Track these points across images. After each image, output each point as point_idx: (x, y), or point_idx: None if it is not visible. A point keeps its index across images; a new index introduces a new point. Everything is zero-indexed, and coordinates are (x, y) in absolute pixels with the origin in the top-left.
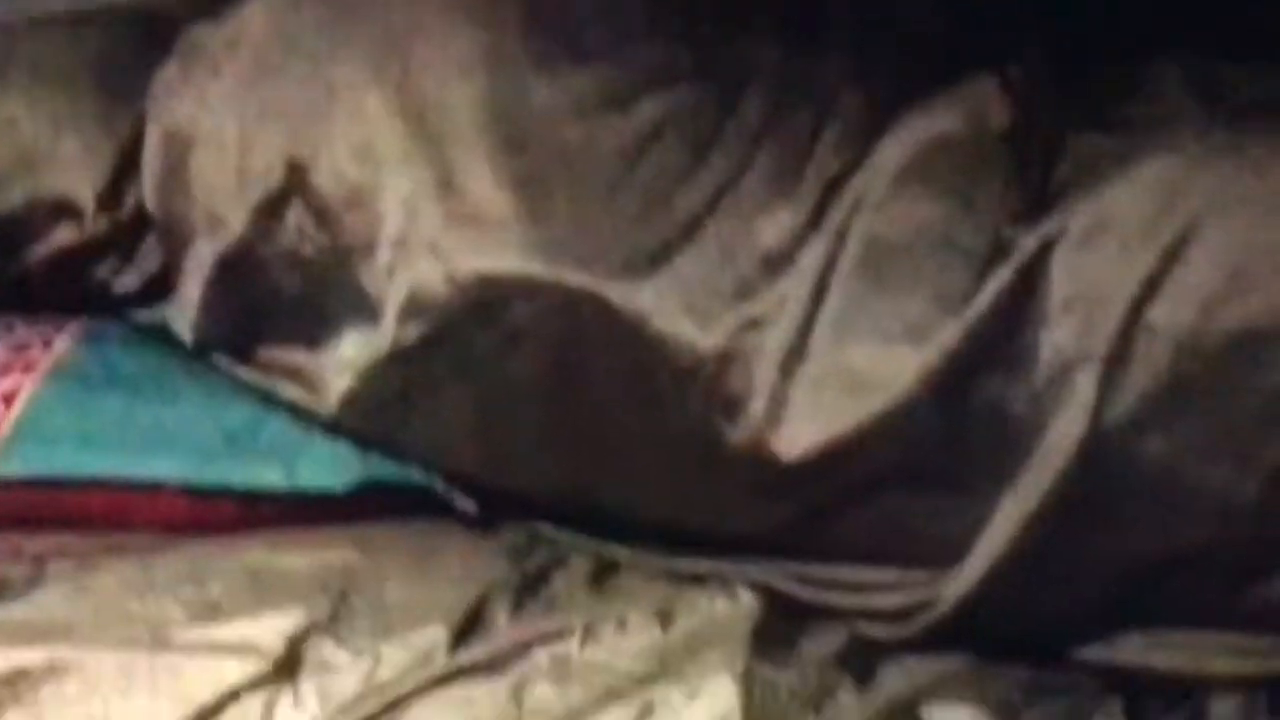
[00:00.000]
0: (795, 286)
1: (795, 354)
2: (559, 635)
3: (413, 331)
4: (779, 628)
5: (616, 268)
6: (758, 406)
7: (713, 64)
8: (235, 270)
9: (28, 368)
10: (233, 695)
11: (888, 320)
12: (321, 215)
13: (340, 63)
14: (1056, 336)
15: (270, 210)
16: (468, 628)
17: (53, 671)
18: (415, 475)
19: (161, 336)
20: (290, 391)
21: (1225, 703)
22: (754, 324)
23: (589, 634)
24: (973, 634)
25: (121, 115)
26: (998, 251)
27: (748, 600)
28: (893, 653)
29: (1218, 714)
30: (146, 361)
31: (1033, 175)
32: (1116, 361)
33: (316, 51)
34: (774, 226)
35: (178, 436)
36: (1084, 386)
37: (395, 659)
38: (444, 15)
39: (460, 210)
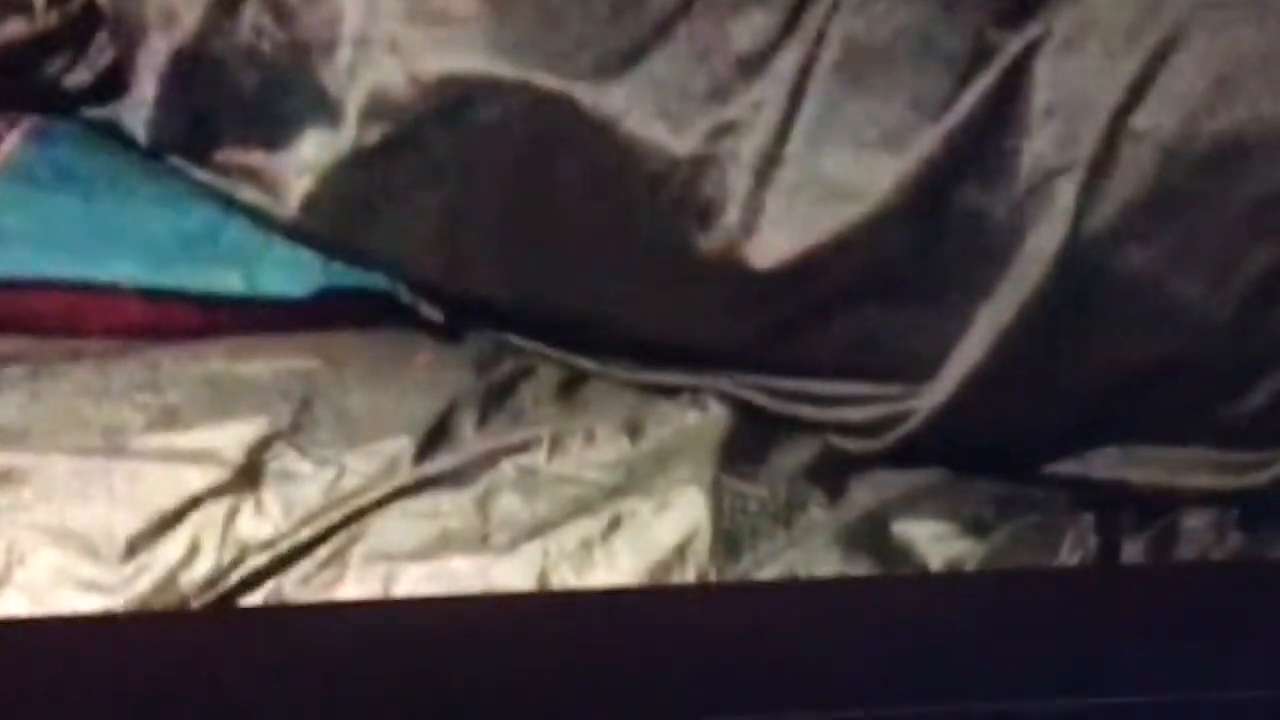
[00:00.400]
0: (771, 90)
1: (770, 160)
2: (526, 447)
3: (375, 133)
4: (749, 441)
5: (586, 69)
6: (731, 214)
7: None
8: (190, 67)
9: None
10: (194, 503)
11: (865, 126)
12: (279, 10)
13: None
14: (1037, 144)
15: (226, 5)
16: (433, 438)
17: (8, 477)
18: (379, 282)
19: (116, 136)
20: (249, 194)
21: (1198, 518)
22: (729, 128)
23: (556, 446)
24: (946, 448)
25: None
26: (979, 56)
27: (718, 413)
28: (864, 467)
29: (1190, 529)
30: (100, 161)
31: None
32: (1098, 170)
33: None
34: (749, 28)
35: (133, 239)
36: (1064, 195)
37: (359, 469)
38: None
39: (424, 7)
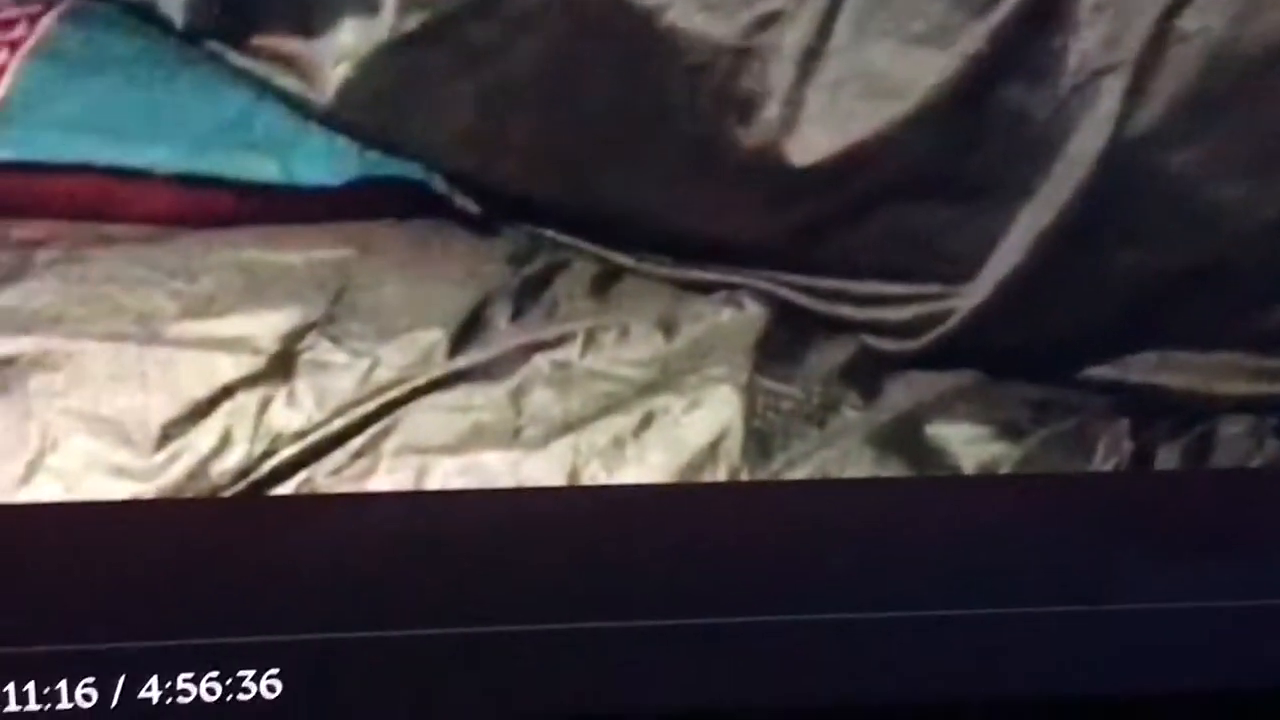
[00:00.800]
0: None
1: (812, 54)
2: (559, 342)
3: (413, 20)
4: (784, 340)
5: None
6: (772, 109)
7: None
8: None
9: (13, 47)
10: (226, 392)
11: (910, 21)
12: None
13: None
14: (1084, 42)
15: None
16: (467, 332)
17: (41, 363)
18: (415, 172)
19: (152, 20)
20: (285, 81)
21: (1234, 425)
22: (771, 20)
23: (590, 341)
24: (982, 351)
25: None
26: None
27: (753, 311)
28: (899, 369)
29: (1226, 436)
30: (136, 45)
31: None
32: (1144, 70)
33: None
34: None
35: (169, 124)
36: (1109, 95)
37: (393, 361)
38: None
39: None
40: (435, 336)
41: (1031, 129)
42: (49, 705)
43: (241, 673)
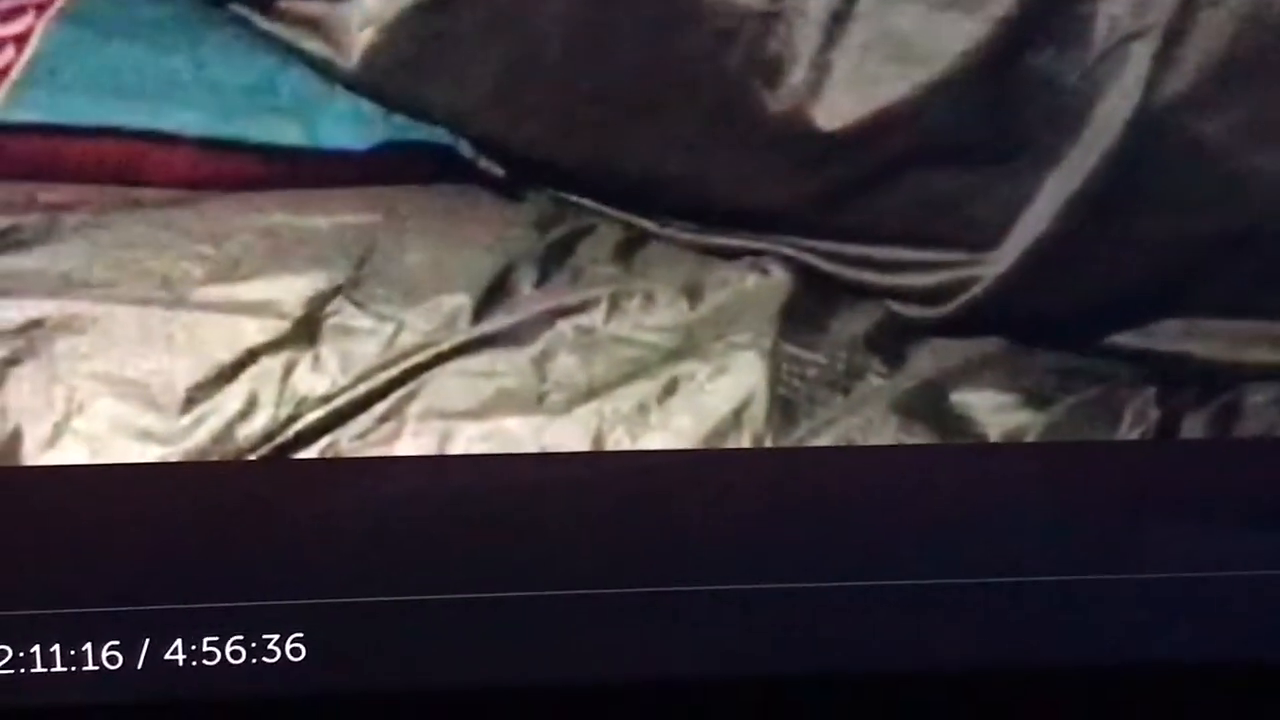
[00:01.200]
0: None
1: (840, 17)
2: (584, 307)
3: None
4: (809, 307)
5: None
6: (798, 74)
7: None
8: None
9: (40, 10)
10: (251, 356)
11: None
12: None
13: None
14: (1113, 7)
15: None
16: (491, 297)
17: (67, 326)
18: (440, 137)
19: None
20: (311, 45)
21: (1261, 393)
22: None
23: (614, 307)
24: (1008, 318)
25: None
26: None
27: (778, 278)
28: (924, 336)
29: (1253, 405)
30: (162, 8)
31: None
32: (1174, 35)
33: None
34: None
35: (195, 88)
36: (1139, 60)
37: (417, 325)
38: None
39: None
40: (460, 301)
41: (1060, 94)
42: (75, 667)
43: (266, 636)
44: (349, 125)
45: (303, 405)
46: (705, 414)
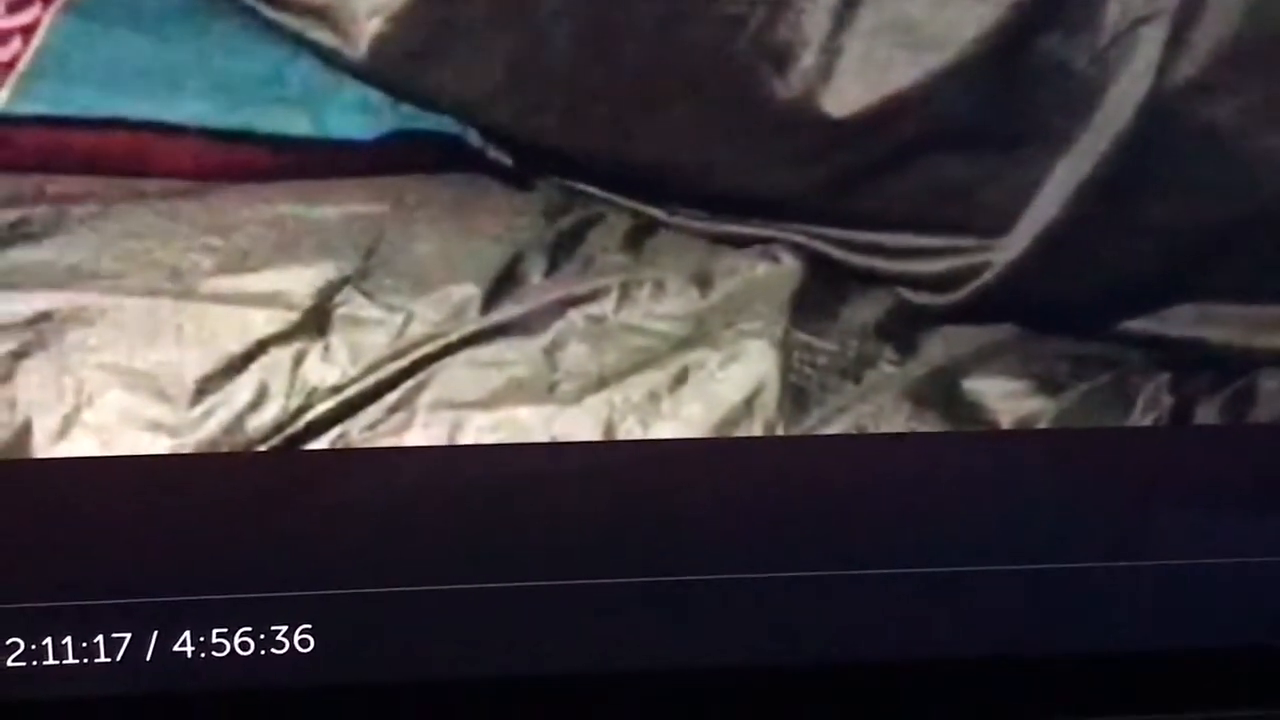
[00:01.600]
0: None
1: (851, 3)
2: (594, 296)
3: None
4: (820, 295)
5: None
6: (808, 60)
7: None
8: None
9: (47, 1)
10: (261, 347)
11: None
12: None
13: None
14: None
15: None
16: (501, 286)
17: (76, 318)
18: (449, 126)
19: None
20: (319, 35)
21: (1275, 379)
22: None
23: (625, 296)
24: (1019, 304)
25: None
26: None
27: (789, 266)
28: (935, 324)
29: (1267, 390)
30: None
31: None
32: (1185, 18)
33: None
34: None
35: (202, 79)
36: (1149, 45)
37: (427, 315)
38: None
39: None
40: (469, 291)
41: (1070, 79)
42: (85, 659)
43: (274, 628)
44: (357, 115)
45: (313, 396)
46: (716, 402)
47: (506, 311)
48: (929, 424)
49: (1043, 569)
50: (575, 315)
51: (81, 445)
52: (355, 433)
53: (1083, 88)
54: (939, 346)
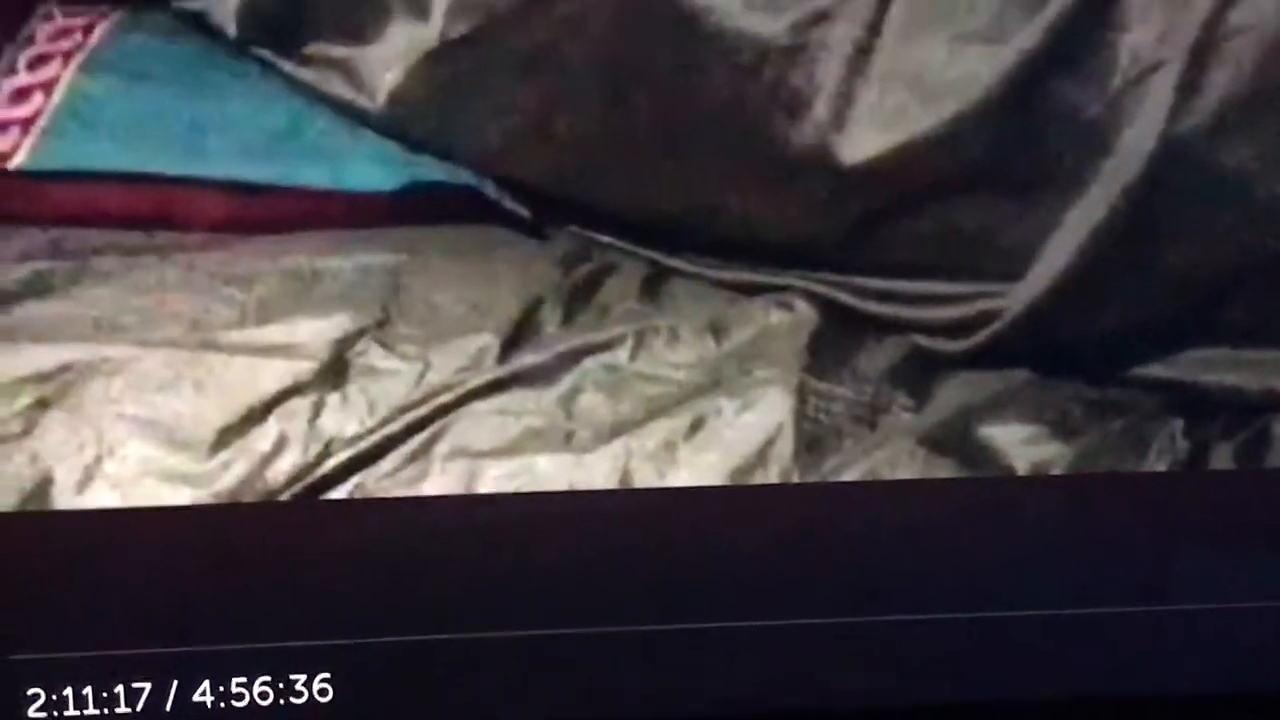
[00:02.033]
0: None
1: (864, 50)
2: (609, 345)
3: (461, 25)
4: (834, 342)
5: None
6: (822, 107)
7: None
8: None
9: (67, 57)
10: (280, 397)
11: (962, 16)
12: None
13: None
14: (1135, 37)
15: None
16: (517, 335)
17: (99, 369)
18: (466, 177)
19: (204, 29)
20: (337, 88)
21: None
22: (821, 16)
23: (640, 344)
24: (1034, 350)
25: None
26: None
27: (803, 313)
28: (949, 370)
29: None
30: (188, 54)
31: None
32: (1196, 65)
33: None
34: None
35: (221, 133)
36: (1161, 91)
37: (444, 365)
38: None
39: None
40: (486, 341)
41: (1083, 126)
42: (105, 710)
43: (293, 676)
44: (375, 167)
45: (331, 446)
46: (732, 450)
47: (523, 360)
48: (945, 470)
49: (1061, 614)
50: (591, 364)
51: (103, 496)
52: (372, 482)
53: (1096, 134)
54: (954, 392)
